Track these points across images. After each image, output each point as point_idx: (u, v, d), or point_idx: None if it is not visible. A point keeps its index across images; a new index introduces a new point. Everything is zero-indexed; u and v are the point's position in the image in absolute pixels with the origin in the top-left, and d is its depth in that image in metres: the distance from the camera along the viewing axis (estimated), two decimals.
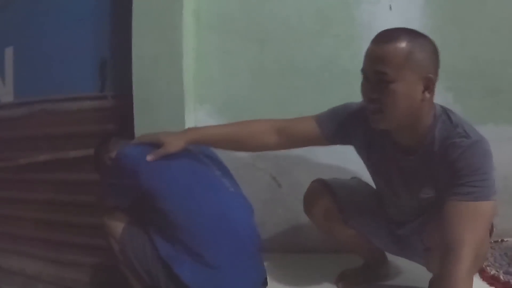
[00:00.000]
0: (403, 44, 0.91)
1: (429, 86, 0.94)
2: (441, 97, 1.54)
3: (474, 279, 0.89)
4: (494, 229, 1.13)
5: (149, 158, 1.03)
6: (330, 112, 1.15)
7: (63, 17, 1.71)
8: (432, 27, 1.55)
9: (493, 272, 1.26)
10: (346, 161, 1.35)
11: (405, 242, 1.19)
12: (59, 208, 1.75)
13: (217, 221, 1.08)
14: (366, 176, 1.33)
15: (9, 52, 1.82)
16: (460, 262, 0.85)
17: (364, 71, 0.97)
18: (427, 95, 0.94)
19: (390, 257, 1.36)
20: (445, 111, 1.01)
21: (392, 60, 0.90)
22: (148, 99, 1.44)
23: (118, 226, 1.11)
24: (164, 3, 1.44)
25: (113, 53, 1.64)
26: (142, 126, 1.44)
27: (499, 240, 1.51)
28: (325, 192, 1.22)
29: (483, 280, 1.26)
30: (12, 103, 1.81)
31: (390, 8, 1.53)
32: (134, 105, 1.45)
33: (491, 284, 1.24)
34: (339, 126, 1.12)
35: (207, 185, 1.13)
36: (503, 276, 1.23)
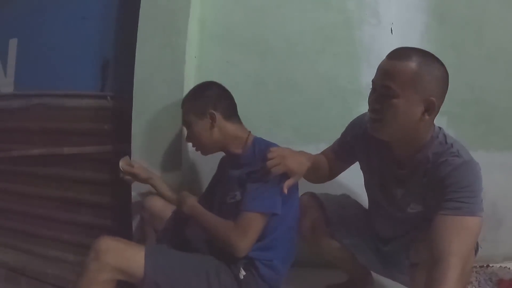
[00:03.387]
0: (412, 65, 0.94)
1: (429, 108, 0.96)
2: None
3: None
4: (480, 249, 1.14)
5: (285, 190, 1.10)
6: (340, 136, 1.26)
7: (69, 13, 1.72)
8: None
9: None
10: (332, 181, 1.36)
11: (390, 259, 1.21)
12: (48, 203, 1.74)
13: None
14: (353, 196, 1.36)
15: (13, 43, 1.82)
16: (448, 270, 0.85)
17: (373, 82, 1.01)
18: (426, 116, 0.97)
19: (375, 274, 1.36)
20: (443, 132, 1.05)
21: (398, 77, 0.94)
22: (147, 102, 1.45)
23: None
24: (171, 10, 1.45)
25: (116, 54, 1.65)
26: (139, 129, 1.45)
27: (485, 265, 1.53)
28: (314, 205, 1.26)
29: None
30: (11, 94, 1.82)
31: (392, 31, 1.56)
32: (133, 107, 1.45)
33: None
34: (345, 142, 1.22)
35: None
36: None
